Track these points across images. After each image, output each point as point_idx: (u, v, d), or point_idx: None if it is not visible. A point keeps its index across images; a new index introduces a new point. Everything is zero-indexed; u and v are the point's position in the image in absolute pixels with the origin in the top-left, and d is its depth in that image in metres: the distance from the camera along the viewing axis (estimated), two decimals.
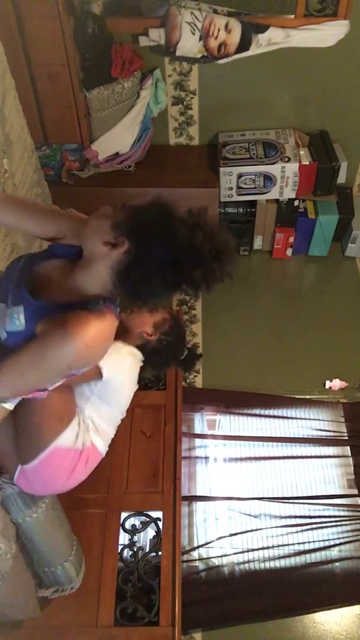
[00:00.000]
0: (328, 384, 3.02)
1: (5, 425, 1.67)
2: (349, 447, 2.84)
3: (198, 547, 2.53)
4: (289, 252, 3.57)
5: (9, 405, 1.49)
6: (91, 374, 1.77)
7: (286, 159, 3.13)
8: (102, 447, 1.88)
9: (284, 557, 2.53)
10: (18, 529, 1.84)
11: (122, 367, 1.86)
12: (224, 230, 1.34)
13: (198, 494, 2.67)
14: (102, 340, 1.32)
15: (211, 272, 1.29)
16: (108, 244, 1.27)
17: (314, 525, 2.59)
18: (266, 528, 2.58)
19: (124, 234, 1.26)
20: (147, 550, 2.30)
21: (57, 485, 1.77)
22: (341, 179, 3.33)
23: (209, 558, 2.53)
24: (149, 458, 2.48)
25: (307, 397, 2.98)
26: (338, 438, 2.86)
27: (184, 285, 1.30)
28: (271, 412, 2.93)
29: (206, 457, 2.80)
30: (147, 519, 2.34)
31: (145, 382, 2.80)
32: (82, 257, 1.38)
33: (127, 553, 2.30)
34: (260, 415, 2.93)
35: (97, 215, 1.34)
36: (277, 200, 3.33)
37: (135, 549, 2.29)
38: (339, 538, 2.57)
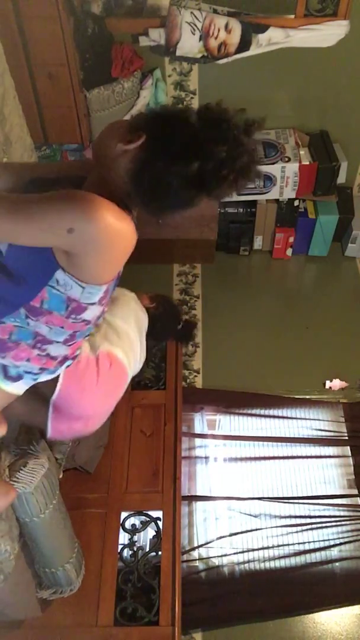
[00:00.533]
0: (328, 384, 3.02)
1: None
2: (349, 447, 2.84)
3: (198, 547, 2.53)
4: (289, 252, 3.57)
5: (12, 388, 1.44)
6: None
7: (286, 159, 3.13)
8: (120, 353, 1.78)
9: (284, 557, 2.52)
10: (21, 529, 1.84)
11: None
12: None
13: (198, 493, 2.67)
14: (120, 233, 1.16)
15: (239, 151, 1.13)
16: (124, 140, 1.14)
17: (314, 525, 2.59)
18: (266, 528, 2.58)
19: (141, 128, 1.14)
20: (147, 550, 2.31)
21: (93, 399, 1.70)
22: (341, 179, 3.32)
23: (209, 558, 2.53)
24: (149, 458, 2.48)
25: (307, 397, 2.98)
26: (338, 438, 2.86)
27: (210, 174, 1.13)
28: (271, 412, 2.93)
29: (206, 457, 2.80)
30: (147, 519, 2.35)
31: (145, 382, 2.80)
32: (91, 173, 1.23)
33: (127, 553, 2.30)
34: (260, 415, 2.93)
35: (111, 123, 1.21)
36: (277, 200, 3.33)
37: (135, 549, 2.29)
38: (339, 538, 2.57)
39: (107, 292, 1.32)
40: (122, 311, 1.91)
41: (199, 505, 2.65)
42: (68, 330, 1.36)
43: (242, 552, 2.53)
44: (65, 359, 1.49)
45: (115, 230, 1.15)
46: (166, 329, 2.05)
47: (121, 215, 1.16)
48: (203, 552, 2.54)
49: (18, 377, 1.44)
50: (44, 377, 1.49)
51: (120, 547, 2.28)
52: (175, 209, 1.23)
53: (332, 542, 2.56)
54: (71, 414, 1.71)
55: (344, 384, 3.02)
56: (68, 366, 1.55)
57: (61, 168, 1.39)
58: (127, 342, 1.86)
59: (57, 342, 1.38)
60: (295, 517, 2.62)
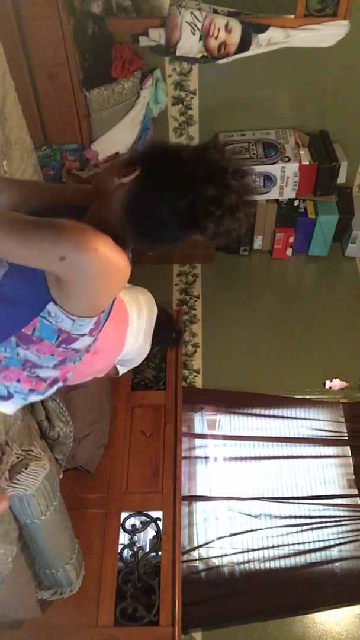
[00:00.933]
0: (328, 384, 3.02)
1: None
2: (349, 447, 2.84)
3: (198, 547, 2.53)
4: (289, 252, 3.57)
5: (2, 407, 1.45)
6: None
7: (286, 159, 3.12)
8: (127, 297, 1.96)
9: (284, 557, 2.52)
10: (22, 530, 1.84)
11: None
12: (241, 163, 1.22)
13: (198, 494, 2.67)
14: (112, 265, 1.20)
15: (226, 191, 1.17)
16: (120, 175, 1.19)
17: (314, 525, 2.59)
18: (266, 528, 2.58)
19: (137, 163, 1.19)
20: (147, 550, 2.31)
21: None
22: (341, 179, 3.32)
23: (209, 558, 2.53)
24: (149, 458, 2.48)
25: (307, 397, 2.98)
26: (338, 438, 2.86)
27: (198, 210, 1.18)
28: (271, 412, 2.93)
29: (206, 457, 2.80)
30: (147, 519, 2.35)
31: (145, 383, 2.81)
32: (90, 206, 1.27)
33: (127, 553, 2.30)
34: (260, 415, 2.93)
35: (111, 161, 1.30)
36: (277, 200, 3.33)
37: (135, 549, 2.29)
38: (339, 538, 2.57)
39: (98, 323, 1.34)
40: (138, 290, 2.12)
41: (199, 506, 2.65)
42: (58, 357, 1.38)
43: (242, 552, 2.53)
44: (55, 381, 1.50)
45: (107, 262, 1.18)
46: (163, 336, 2.17)
47: (115, 248, 1.20)
48: (203, 552, 2.54)
49: (9, 396, 1.45)
50: (34, 398, 1.50)
51: (120, 547, 2.28)
52: (167, 242, 1.27)
53: (332, 542, 2.56)
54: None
55: (344, 384, 3.02)
56: (59, 388, 1.56)
57: (64, 193, 1.43)
58: (135, 300, 2.02)
59: (47, 367, 1.40)
60: (295, 517, 2.62)
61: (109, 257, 1.18)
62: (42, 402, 2.21)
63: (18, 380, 1.42)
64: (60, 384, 1.54)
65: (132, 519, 2.37)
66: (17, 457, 1.79)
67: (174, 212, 1.18)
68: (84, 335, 1.33)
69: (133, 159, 1.21)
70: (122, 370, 2.11)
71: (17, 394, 1.46)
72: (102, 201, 1.24)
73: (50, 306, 1.25)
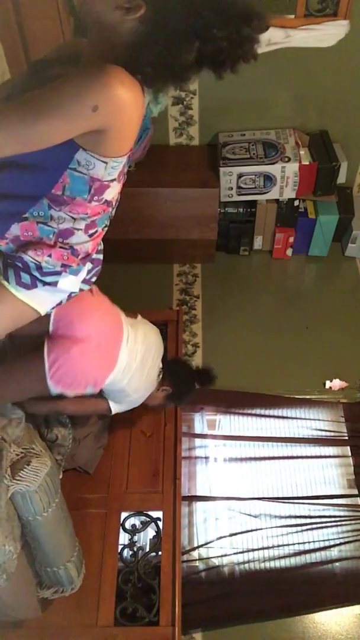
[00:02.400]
0: (328, 384, 3.02)
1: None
2: (349, 447, 2.84)
3: (198, 547, 2.53)
4: (289, 252, 3.57)
5: (26, 296, 1.41)
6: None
7: (286, 159, 3.13)
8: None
9: (284, 557, 2.52)
10: (23, 528, 1.85)
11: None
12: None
13: (198, 494, 2.67)
14: (137, 101, 1.16)
15: (238, 37, 1.11)
16: (121, 7, 1.08)
17: (314, 525, 2.59)
18: (266, 528, 2.58)
19: None
20: (147, 550, 2.31)
21: (88, 319, 1.85)
22: (341, 179, 3.33)
23: (209, 558, 2.53)
24: (149, 458, 2.48)
25: (307, 397, 2.98)
26: (338, 438, 2.86)
27: (208, 54, 1.14)
28: (271, 412, 2.93)
29: (206, 457, 2.80)
30: (147, 519, 2.35)
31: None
32: (87, 43, 1.20)
33: (127, 553, 2.30)
34: (260, 415, 2.93)
35: None
36: (277, 200, 3.33)
37: (135, 549, 2.29)
38: (339, 538, 2.57)
39: (124, 166, 1.32)
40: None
41: (199, 506, 2.65)
42: (91, 216, 1.36)
43: (242, 552, 2.53)
44: (87, 255, 1.46)
45: (134, 95, 1.14)
46: (186, 392, 2.27)
47: (132, 79, 1.15)
48: (203, 552, 2.54)
49: (32, 284, 1.40)
50: (65, 282, 1.44)
51: (120, 547, 2.28)
52: (172, 81, 1.21)
53: (332, 542, 2.56)
54: (64, 340, 1.79)
55: (344, 384, 3.02)
56: (89, 271, 1.52)
57: (53, 52, 1.38)
58: (132, 323, 2.04)
59: (79, 229, 1.38)
60: (295, 517, 2.62)
61: (135, 89, 1.14)
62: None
63: (50, 255, 1.37)
64: (89, 266, 1.50)
65: (132, 519, 2.36)
66: (18, 455, 1.79)
67: (182, 54, 1.13)
68: (113, 180, 1.30)
69: None
70: (114, 408, 2.09)
71: (45, 278, 1.40)
72: (99, 37, 1.17)
73: (79, 154, 1.22)
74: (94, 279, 1.58)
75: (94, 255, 1.53)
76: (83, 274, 1.49)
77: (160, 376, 2.16)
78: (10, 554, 1.72)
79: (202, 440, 2.84)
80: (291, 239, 3.50)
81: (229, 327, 3.28)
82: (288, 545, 2.55)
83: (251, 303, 3.41)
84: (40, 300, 1.44)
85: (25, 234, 1.35)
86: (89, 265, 1.51)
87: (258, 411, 2.93)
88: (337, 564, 2.53)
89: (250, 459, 2.81)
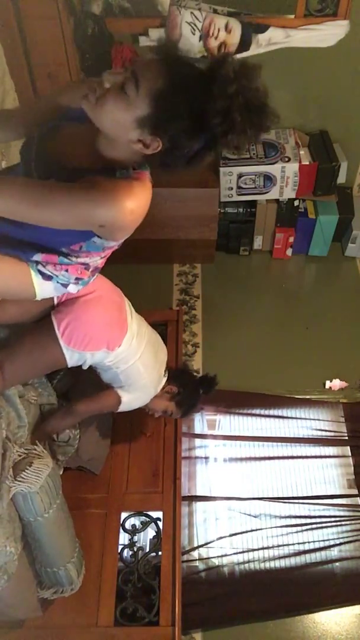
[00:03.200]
0: (328, 384, 3.02)
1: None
2: (349, 447, 2.84)
3: (198, 547, 2.53)
4: (289, 252, 3.57)
5: (39, 284, 1.57)
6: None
7: (286, 159, 3.12)
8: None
9: (284, 557, 2.52)
10: (24, 529, 1.85)
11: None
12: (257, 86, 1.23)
13: (198, 494, 2.67)
14: (141, 212, 1.32)
15: (249, 133, 1.23)
16: (137, 142, 1.23)
17: (314, 525, 2.59)
18: (266, 528, 2.58)
19: (153, 132, 1.21)
20: (147, 550, 2.31)
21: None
22: (341, 179, 3.32)
23: (209, 558, 2.53)
24: (149, 458, 2.48)
25: (307, 397, 2.98)
26: (338, 438, 2.86)
27: (223, 147, 1.26)
28: (271, 412, 2.93)
29: (206, 457, 2.80)
30: (147, 519, 2.35)
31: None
32: (100, 139, 1.31)
33: (127, 553, 2.30)
34: (260, 415, 2.93)
35: (110, 102, 1.19)
36: (277, 200, 3.33)
37: (135, 549, 2.29)
38: (339, 538, 2.57)
39: None
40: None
41: (199, 506, 2.65)
42: (105, 255, 1.58)
43: (242, 552, 2.53)
44: (97, 269, 1.64)
45: (140, 211, 1.31)
46: (191, 397, 2.26)
47: (141, 192, 1.30)
48: (203, 552, 2.54)
49: (49, 277, 1.55)
50: (73, 288, 1.63)
51: (120, 547, 2.28)
52: (187, 169, 1.34)
53: (332, 542, 2.56)
54: (68, 301, 1.85)
55: (344, 384, 3.02)
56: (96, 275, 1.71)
57: (55, 100, 1.48)
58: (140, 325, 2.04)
59: (95, 261, 1.57)
60: (295, 517, 2.62)
61: (141, 205, 1.30)
62: (53, 403, 2.23)
63: (67, 270, 1.54)
64: (96, 275, 1.70)
65: (132, 519, 2.36)
66: (20, 456, 1.80)
67: (202, 160, 1.27)
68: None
69: (145, 123, 1.19)
70: (124, 397, 2.07)
71: (61, 281, 1.57)
72: (115, 151, 1.29)
73: (96, 239, 1.40)
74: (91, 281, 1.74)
75: (102, 269, 1.71)
76: (92, 280, 1.69)
77: (166, 376, 2.16)
78: (12, 555, 1.72)
79: (202, 440, 2.84)
80: (291, 239, 3.50)
81: (229, 327, 3.27)
82: (288, 545, 2.55)
83: (251, 303, 3.41)
84: (44, 289, 1.59)
85: (46, 260, 1.51)
86: (96, 274, 1.70)
87: (258, 411, 2.93)
88: (337, 564, 2.53)
89: (250, 459, 2.81)
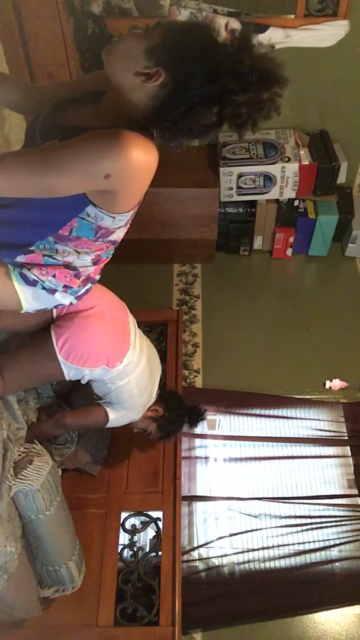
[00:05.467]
0: (328, 384, 3.02)
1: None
2: (349, 447, 2.84)
3: (198, 547, 2.53)
4: (289, 252, 3.57)
5: (21, 290, 1.46)
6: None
7: (286, 159, 3.13)
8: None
9: (284, 557, 2.52)
10: (25, 527, 1.85)
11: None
12: (271, 55, 1.16)
13: (198, 494, 2.67)
14: (147, 164, 1.21)
15: (258, 101, 1.16)
16: (141, 74, 1.13)
17: (314, 525, 2.59)
18: (266, 528, 2.58)
19: (159, 62, 1.12)
20: (147, 550, 2.31)
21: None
22: (341, 179, 3.32)
23: (209, 558, 2.53)
24: (149, 458, 2.48)
25: (307, 397, 2.98)
26: (338, 438, 2.86)
27: (228, 117, 1.17)
28: (271, 412, 2.93)
29: (206, 457, 2.80)
30: (147, 519, 2.35)
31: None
32: (107, 94, 1.24)
33: (127, 553, 2.30)
34: (260, 415, 2.93)
35: (127, 38, 1.18)
36: (277, 200, 3.33)
37: (135, 549, 2.29)
38: (339, 538, 2.57)
39: (134, 213, 1.38)
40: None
41: (199, 506, 2.65)
42: (95, 251, 1.43)
43: (242, 552, 2.53)
44: (88, 279, 1.53)
45: (146, 163, 1.20)
46: (175, 422, 2.22)
47: (147, 145, 1.20)
48: (203, 552, 2.54)
49: (33, 282, 1.46)
50: (62, 298, 1.51)
51: (120, 547, 2.28)
52: (196, 137, 1.26)
53: (332, 542, 2.56)
54: (68, 315, 1.80)
55: (344, 384, 3.02)
56: (88, 290, 1.59)
57: (78, 85, 1.42)
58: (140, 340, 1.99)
59: (85, 261, 1.45)
60: (295, 517, 2.62)
61: (147, 158, 1.19)
62: (54, 404, 2.23)
63: (54, 275, 1.44)
64: (89, 286, 1.57)
65: (132, 519, 2.37)
66: (20, 454, 1.80)
67: (203, 119, 1.17)
68: (120, 227, 1.37)
69: (154, 51, 1.13)
70: (111, 415, 2.04)
71: (47, 287, 1.46)
72: (120, 95, 1.20)
73: (90, 208, 1.28)
74: (84, 296, 1.63)
75: (95, 281, 1.60)
76: (81, 294, 1.56)
77: (157, 395, 2.14)
78: (12, 554, 1.73)
79: (202, 440, 2.84)
80: (291, 239, 3.50)
81: (229, 327, 3.28)
82: (288, 545, 2.55)
83: (251, 303, 3.41)
84: (29, 298, 1.49)
85: (30, 261, 1.42)
86: (89, 285, 1.57)
87: (258, 411, 2.93)
88: (337, 564, 2.53)
89: (250, 459, 2.81)
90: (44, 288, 1.47)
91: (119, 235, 1.43)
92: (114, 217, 1.31)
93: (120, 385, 1.95)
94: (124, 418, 2.07)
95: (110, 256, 1.56)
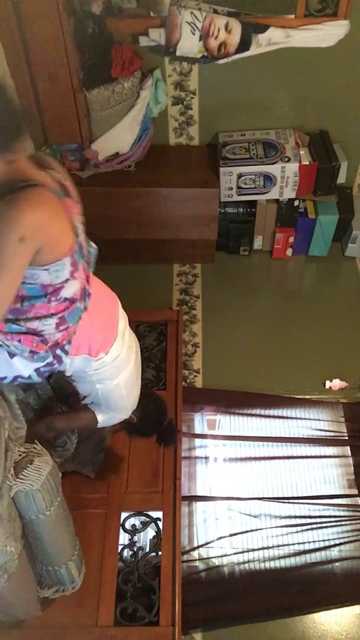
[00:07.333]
0: (328, 384, 3.02)
1: None
2: (349, 447, 2.84)
3: (198, 547, 2.53)
4: (289, 252, 3.57)
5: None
6: None
7: (286, 159, 3.13)
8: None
9: (284, 557, 2.52)
10: (25, 528, 1.85)
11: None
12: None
13: (198, 494, 2.67)
14: (46, 203, 1.28)
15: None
16: None
17: (314, 525, 2.59)
18: (266, 528, 2.58)
19: None
20: (147, 550, 2.31)
21: None
22: (341, 179, 3.33)
23: (209, 558, 2.53)
24: (149, 458, 2.48)
25: (307, 397, 2.98)
26: (338, 438, 2.86)
27: None
28: (271, 412, 2.93)
29: (206, 457, 2.80)
30: (147, 519, 2.35)
31: (145, 383, 2.80)
32: None
33: (127, 553, 2.30)
34: (260, 415, 2.93)
35: None
36: (277, 200, 3.33)
37: (135, 549, 2.29)
38: (339, 538, 2.57)
39: (75, 264, 1.39)
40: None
41: (199, 506, 2.65)
42: (56, 314, 1.44)
43: (242, 552, 2.53)
44: (57, 345, 1.52)
45: (48, 204, 1.27)
46: (144, 431, 2.15)
47: (32, 193, 1.25)
48: (203, 552, 2.54)
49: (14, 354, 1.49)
50: (22, 366, 1.52)
51: (120, 547, 2.28)
52: None
53: (332, 542, 2.56)
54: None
55: (344, 384, 3.02)
56: (57, 356, 1.57)
57: None
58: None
59: (48, 325, 1.46)
60: (295, 517, 2.62)
61: (36, 200, 1.24)
62: (53, 406, 2.22)
63: (19, 340, 1.45)
64: (59, 352, 1.56)
65: (132, 519, 2.37)
66: (21, 454, 1.80)
67: None
68: (67, 280, 1.39)
69: None
70: (100, 417, 1.98)
71: (11, 351, 1.48)
72: None
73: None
74: (46, 374, 1.62)
75: (63, 349, 1.57)
76: (42, 364, 1.55)
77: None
78: (12, 554, 1.73)
79: (202, 440, 2.84)
80: (291, 239, 3.50)
81: (229, 327, 3.28)
82: (288, 545, 2.55)
83: (251, 303, 3.41)
84: (22, 366, 1.51)
85: None
86: (50, 359, 1.55)
87: (258, 411, 2.93)
88: (337, 564, 2.53)
89: (250, 459, 2.81)
90: (7, 351, 1.49)
91: (71, 292, 1.44)
92: (47, 269, 1.34)
93: (109, 386, 1.85)
94: (113, 419, 2.01)
95: (77, 322, 1.55)
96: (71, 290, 1.43)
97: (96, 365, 1.77)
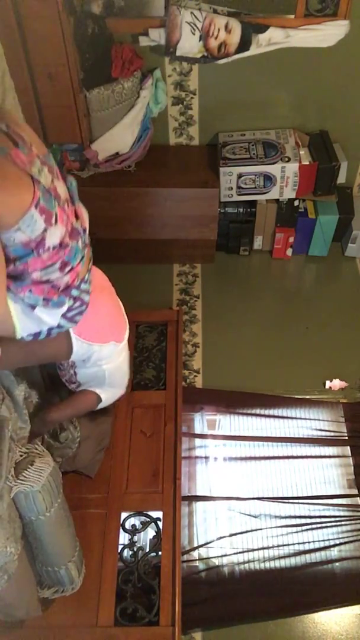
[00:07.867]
0: (328, 384, 3.02)
1: None
2: (349, 447, 2.84)
3: (198, 547, 2.53)
4: (289, 252, 3.57)
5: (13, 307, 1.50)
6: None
7: (286, 159, 3.13)
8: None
9: (284, 557, 2.53)
10: (25, 528, 1.85)
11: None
12: None
13: (198, 494, 2.67)
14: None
15: None
16: None
17: (314, 525, 2.59)
18: (266, 528, 2.58)
19: None
20: (147, 550, 2.31)
21: None
22: (341, 179, 3.32)
23: (209, 558, 2.53)
24: (149, 458, 2.48)
25: (307, 397, 2.98)
26: (338, 438, 2.86)
27: None
28: (271, 412, 2.93)
29: (206, 457, 2.80)
30: (147, 519, 2.35)
31: (145, 383, 2.81)
32: None
33: (127, 553, 2.30)
34: (260, 415, 2.93)
35: None
36: (277, 200, 3.33)
37: (135, 549, 2.29)
38: (339, 538, 2.57)
39: (45, 211, 1.35)
40: None
41: (199, 506, 2.65)
42: (53, 262, 1.44)
43: (242, 552, 2.53)
44: (69, 287, 1.52)
45: None
46: None
47: None
48: (203, 552, 2.54)
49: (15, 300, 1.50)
50: (47, 313, 1.51)
51: (120, 547, 2.28)
52: None
53: (332, 542, 2.56)
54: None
55: (344, 384, 3.02)
56: (76, 297, 1.57)
57: None
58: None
59: (55, 273, 1.47)
60: (295, 517, 2.62)
61: None
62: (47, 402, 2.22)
63: (30, 291, 1.46)
64: (76, 292, 1.56)
65: (132, 519, 2.37)
66: (22, 455, 1.80)
67: None
68: (44, 230, 1.37)
69: None
70: (103, 396, 2.05)
71: (28, 301, 1.49)
72: None
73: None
74: (77, 318, 1.61)
75: (79, 288, 1.57)
76: (64, 308, 1.55)
77: None
78: (12, 555, 1.73)
79: (202, 440, 2.84)
80: (291, 239, 3.50)
81: (229, 327, 3.28)
82: (288, 545, 2.55)
83: (251, 303, 3.41)
84: (21, 319, 1.51)
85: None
86: (70, 302, 1.56)
87: (258, 411, 2.93)
88: (337, 564, 2.53)
89: (250, 459, 2.81)
90: (26, 302, 1.50)
91: (55, 238, 1.42)
92: (18, 228, 1.33)
93: (115, 364, 1.91)
94: (114, 396, 2.08)
95: (80, 259, 1.54)
96: (56, 236, 1.41)
97: (120, 348, 1.85)
